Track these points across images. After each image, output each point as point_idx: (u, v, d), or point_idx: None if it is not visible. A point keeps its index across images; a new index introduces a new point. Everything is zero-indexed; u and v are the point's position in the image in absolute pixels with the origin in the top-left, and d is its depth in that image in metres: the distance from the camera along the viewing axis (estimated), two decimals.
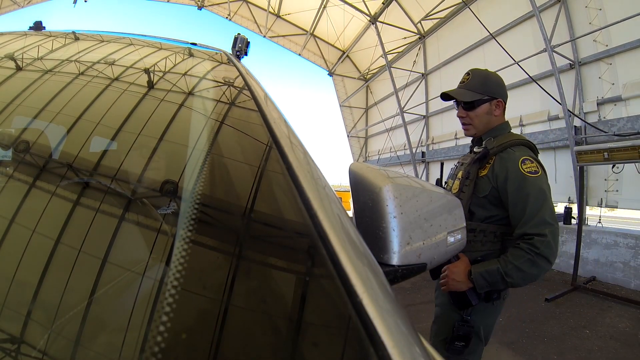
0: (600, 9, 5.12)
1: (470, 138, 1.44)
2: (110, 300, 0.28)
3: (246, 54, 1.06)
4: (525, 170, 1.14)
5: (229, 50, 1.02)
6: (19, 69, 0.61)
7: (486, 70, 1.36)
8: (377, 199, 0.48)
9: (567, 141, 5.54)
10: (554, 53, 5.40)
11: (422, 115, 9.78)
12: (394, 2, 9.04)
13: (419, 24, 9.17)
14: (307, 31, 12.05)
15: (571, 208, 5.62)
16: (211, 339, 0.25)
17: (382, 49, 9.46)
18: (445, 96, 1.37)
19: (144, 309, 0.27)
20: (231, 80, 0.69)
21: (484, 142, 1.31)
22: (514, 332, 3.15)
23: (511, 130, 1.35)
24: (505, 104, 1.32)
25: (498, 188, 1.20)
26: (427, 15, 8.62)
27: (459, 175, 1.36)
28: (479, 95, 1.28)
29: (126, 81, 0.60)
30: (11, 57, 0.65)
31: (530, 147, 1.24)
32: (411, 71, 9.72)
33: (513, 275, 1.08)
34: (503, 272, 1.09)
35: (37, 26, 0.93)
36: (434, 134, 9.54)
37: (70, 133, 0.47)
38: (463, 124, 1.37)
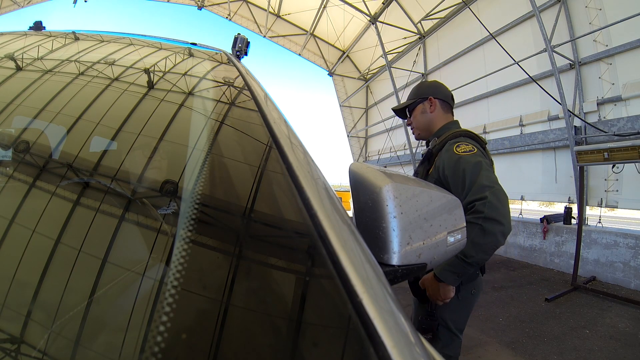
0: (600, 9, 5.12)
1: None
2: (110, 301, 0.28)
3: (246, 54, 1.06)
4: (460, 151, 1.19)
5: (229, 50, 1.02)
6: (19, 69, 0.61)
7: (424, 81, 1.53)
8: (377, 199, 0.48)
9: (567, 141, 5.54)
10: (554, 53, 5.40)
11: None
12: (394, 2, 9.04)
13: (419, 24, 9.17)
14: (307, 31, 12.04)
15: (571, 208, 5.62)
16: (211, 339, 0.25)
17: (382, 49, 9.46)
18: (395, 112, 1.54)
19: (144, 309, 0.27)
20: (231, 80, 0.69)
21: (430, 144, 1.41)
22: (514, 332, 3.15)
23: (460, 128, 1.38)
24: (441, 99, 1.40)
25: (441, 179, 1.22)
26: (427, 15, 8.62)
27: None
28: (411, 100, 1.44)
29: (126, 81, 0.60)
30: (11, 57, 0.65)
31: (470, 137, 1.27)
32: (411, 71, 9.71)
33: (471, 252, 1.05)
34: (461, 255, 1.07)
35: (37, 26, 0.93)
36: None
37: (70, 133, 0.47)
38: (411, 129, 1.50)
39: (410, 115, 1.46)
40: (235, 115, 0.56)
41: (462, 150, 1.19)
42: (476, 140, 1.28)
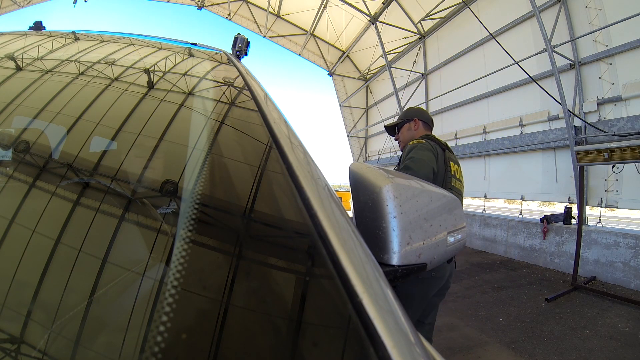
0: (600, 9, 5.12)
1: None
2: (110, 300, 0.28)
3: (246, 54, 1.06)
4: (411, 143, 1.62)
5: (229, 50, 1.02)
6: (19, 69, 0.61)
7: (412, 107, 1.97)
8: (377, 199, 0.48)
9: (567, 141, 5.54)
10: (554, 53, 5.40)
11: None
12: (394, 2, 9.04)
13: (419, 24, 9.17)
14: (307, 31, 12.04)
15: (571, 208, 5.61)
16: (211, 339, 0.25)
17: (382, 49, 9.46)
18: (386, 128, 2.02)
19: (144, 309, 0.27)
20: (231, 80, 0.69)
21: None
22: (514, 332, 3.15)
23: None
24: (423, 121, 1.85)
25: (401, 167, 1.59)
26: (427, 15, 8.61)
27: None
28: (400, 120, 1.89)
29: (126, 81, 0.60)
30: (11, 57, 0.65)
31: (429, 138, 1.66)
32: (411, 71, 9.71)
33: None
34: None
35: (37, 26, 0.93)
36: (434, 133, 9.53)
37: (70, 133, 0.47)
38: (398, 143, 1.93)
39: (398, 132, 1.91)
40: (235, 115, 0.56)
41: (412, 143, 1.62)
42: (434, 140, 1.65)
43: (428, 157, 1.53)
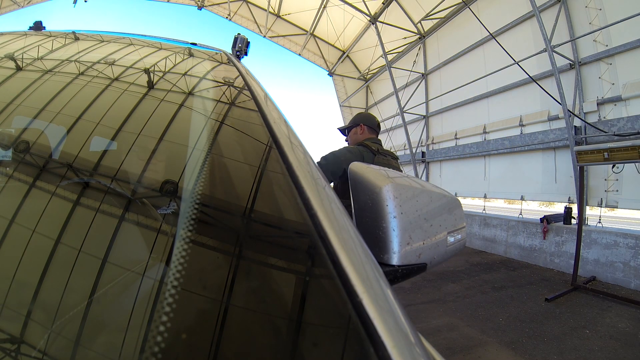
0: (600, 9, 5.13)
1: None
2: (110, 300, 0.28)
3: (246, 54, 1.06)
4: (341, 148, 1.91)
5: (229, 50, 1.02)
6: (19, 69, 0.61)
7: (361, 112, 2.23)
8: (377, 199, 0.48)
9: (567, 141, 5.54)
10: (554, 53, 5.40)
11: (422, 115, 9.79)
12: (394, 2, 9.04)
13: (419, 24, 9.17)
14: (307, 31, 12.05)
15: (571, 208, 5.61)
16: (211, 339, 0.25)
17: (382, 49, 9.46)
18: (340, 130, 2.29)
19: (144, 309, 0.27)
20: (231, 80, 0.69)
21: None
22: (514, 332, 3.15)
23: (376, 143, 2.02)
24: (368, 126, 2.09)
25: None
26: (427, 15, 8.62)
27: None
28: (349, 125, 2.18)
29: (126, 81, 0.60)
30: (11, 57, 0.65)
31: (361, 144, 1.93)
32: (411, 71, 9.71)
33: None
34: None
35: (37, 26, 0.93)
36: (434, 133, 9.55)
37: (70, 133, 0.47)
38: (347, 143, 2.20)
39: (347, 135, 2.19)
40: (235, 115, 0.56)
41: (344, 147, 1.90)
42: (365, 146, 1.89)
43: (345, 157, 1.78)
